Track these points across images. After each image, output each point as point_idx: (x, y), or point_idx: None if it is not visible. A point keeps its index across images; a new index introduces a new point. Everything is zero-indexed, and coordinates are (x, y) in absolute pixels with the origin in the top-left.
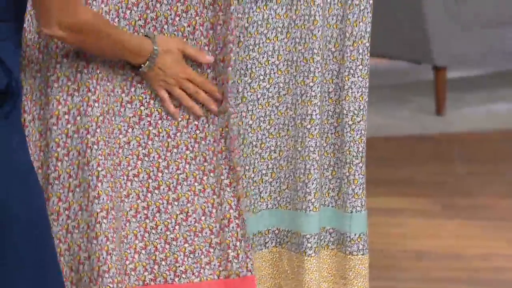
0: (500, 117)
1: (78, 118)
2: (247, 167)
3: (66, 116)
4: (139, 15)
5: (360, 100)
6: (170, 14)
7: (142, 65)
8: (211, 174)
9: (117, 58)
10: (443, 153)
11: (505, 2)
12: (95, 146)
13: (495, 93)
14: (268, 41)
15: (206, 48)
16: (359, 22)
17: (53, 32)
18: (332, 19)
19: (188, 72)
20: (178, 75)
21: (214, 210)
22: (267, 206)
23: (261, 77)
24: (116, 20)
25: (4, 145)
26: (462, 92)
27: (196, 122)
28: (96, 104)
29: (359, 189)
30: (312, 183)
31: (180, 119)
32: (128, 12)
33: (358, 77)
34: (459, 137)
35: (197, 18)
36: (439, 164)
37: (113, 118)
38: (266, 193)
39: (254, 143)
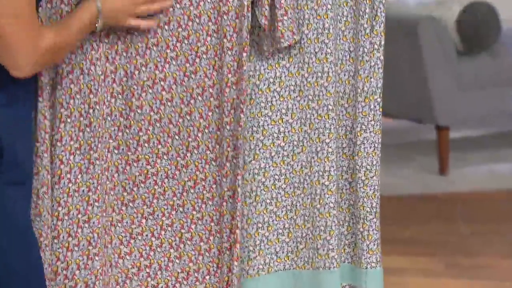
0: (502, 177)
1: (79, 176)
2: (260, 225)
3: (68, 175)
4: (147, 76)
5: (373, 156)
6: (179, 75)
7: (96, 26)
8: (217, 235)
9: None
10: (446, 212)
11: (506, 63)
12: (96, 204)
13: (497, 153)
14: (281, 99)
15: (217, 110)
16: (370, 78)
17: (25, 74)
18: (344, 75)
19: (133, 0)
20: (129, 9)
21: (219, 271)
22: (284, 267)
23: (275, 135)
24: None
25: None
26: (464, 152)
27: (203, 183)
28: (97, 162)
29: (374, 244)
30: (334, 239)
31: (187, 179)
32: (136, 72)
33: (370, 132)
34: (461, 196)
35: (206, 79)
36: (442, 223)
37: (115, 175)
38: (283, 253)
39: (268, 201)
